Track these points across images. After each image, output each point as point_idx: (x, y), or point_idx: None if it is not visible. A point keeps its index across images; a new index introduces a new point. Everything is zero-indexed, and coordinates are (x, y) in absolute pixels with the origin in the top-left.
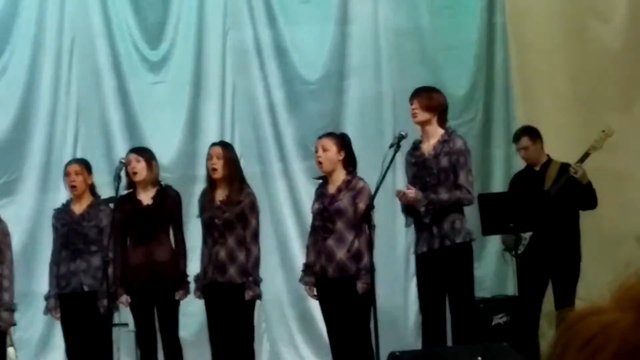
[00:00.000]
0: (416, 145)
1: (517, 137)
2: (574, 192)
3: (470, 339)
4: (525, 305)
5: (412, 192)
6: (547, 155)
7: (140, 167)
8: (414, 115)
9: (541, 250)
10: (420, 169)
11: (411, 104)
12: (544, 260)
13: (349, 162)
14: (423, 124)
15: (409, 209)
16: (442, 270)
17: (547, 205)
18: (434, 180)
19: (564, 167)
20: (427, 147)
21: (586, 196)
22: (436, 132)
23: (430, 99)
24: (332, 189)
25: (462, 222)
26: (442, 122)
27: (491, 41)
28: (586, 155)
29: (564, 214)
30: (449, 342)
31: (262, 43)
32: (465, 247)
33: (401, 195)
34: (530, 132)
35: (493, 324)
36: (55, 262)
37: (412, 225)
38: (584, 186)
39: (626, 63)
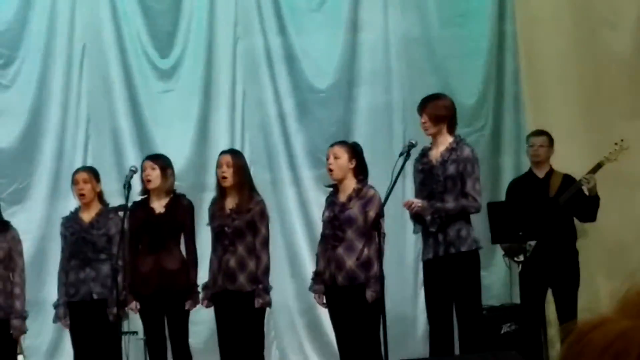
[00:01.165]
0: (424, 153)
1: (537, 133)
2: (580, 202)
3: (477, 348)
4: (528, 314)
5: (418, 202)
6: (550, 165)
7: (154, 176)
8: (425, 129)
9: (541, 258)
10: (428, 176)
11: (420, 116)
12: (543, 269)
13: (360, 170)
14: (434, 134)
15: (417, 216)
16: (448, 278)
17: (556, 214)
18: (440, 188)
19: (567, 178)
20: (435, 155)
21: (589, 208)
22: (445, 140)
23: (438, 109)
24: (342, 197)
25: (469, 231)
26: (451, 129)
27: (501, 49)
28: (598, 166)
29: (568, 223)
30: (457, 351)
31: (272, 51)
32: (471, 255)
33: (409, 205)
34: (550, 136)
35: (502, 332)
36: (64, 270)
37: (420, 233)
38: (589, 198)
39: (636, 70)
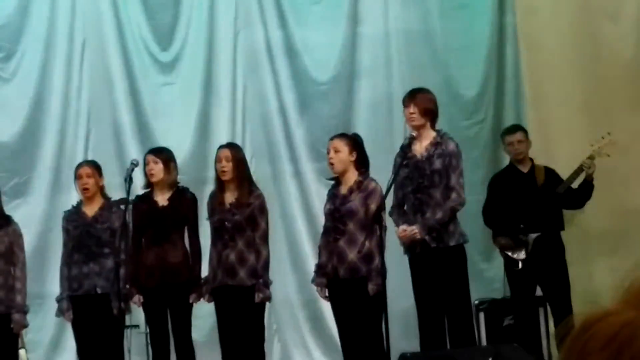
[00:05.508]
0: (407, 147)
1: (512, 130)
2: (574, 190)
3: (467, 342)
4: (521, 308)
5: (414, 229)
6: (531, 159)
7: (157, 169)
8: (411, 120)
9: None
10: (412, 171)
11: (407, 107)
12: (531, 263)
13: (361, 163)
14: (418, 127)
15: (408, 245)
16: (436, 272)
17: (548, 206)
18: (427, 182)
19: (549, 170)
20: (419, 149)
21: (583, 195)
22: (429, 134)
23: (428, 103)
24: (343, 189)
25: (455, 225)
26: (434, 125)
27: (501, 42)
28: (590, 159)
29: (556, 215)
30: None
31: (273, 44)
32: (459, 249)
33: (410, 233)
34: (524, 130)
35: (504, 325)
36: (66, 264)
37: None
38: (584, 184)
39: (636, 64)
